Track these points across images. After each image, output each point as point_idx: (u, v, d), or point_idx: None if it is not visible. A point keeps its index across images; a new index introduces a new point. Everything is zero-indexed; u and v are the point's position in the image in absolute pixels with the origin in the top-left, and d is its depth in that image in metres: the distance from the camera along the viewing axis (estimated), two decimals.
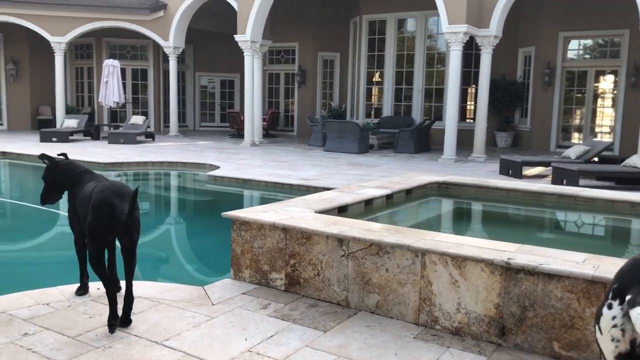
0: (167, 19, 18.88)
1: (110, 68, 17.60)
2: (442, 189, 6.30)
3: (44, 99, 21.06)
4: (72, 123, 17.30)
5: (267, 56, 21.52)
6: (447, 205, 6.36)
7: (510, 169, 10.79)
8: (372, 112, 19.51)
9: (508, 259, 3.15)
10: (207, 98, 23.67)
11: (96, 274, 3.27)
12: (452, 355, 3.07)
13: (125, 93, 19.30)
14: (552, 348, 3.08)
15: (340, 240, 3.70)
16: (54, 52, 18.62)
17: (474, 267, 3.26)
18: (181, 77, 22.72)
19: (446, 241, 3.52)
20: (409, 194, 5.87)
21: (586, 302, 2.97)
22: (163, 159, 12.16)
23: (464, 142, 15.34)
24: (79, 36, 19.10)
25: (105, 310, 3.53)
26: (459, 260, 3.29)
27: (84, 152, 13.27)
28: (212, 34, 21.05)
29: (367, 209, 5.10)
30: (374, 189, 5.46)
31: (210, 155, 13.12)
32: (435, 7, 13.59)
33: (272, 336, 3.23)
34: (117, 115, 21.19)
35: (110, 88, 17.56)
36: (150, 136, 17.52)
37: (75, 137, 17.47)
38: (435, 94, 18.21)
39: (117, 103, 17.83)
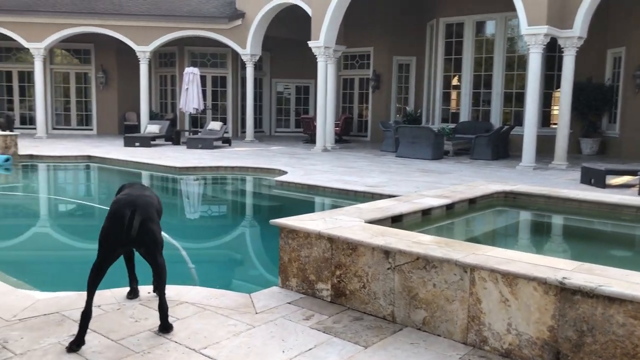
0: (245, 27, 19.33)
1: (190, 76, 18.24)
2: (510, 199, 5.98)
3: (130, 105, 22.14)
4: (154, 128, 18.06)
5: (341, 61, 21.58)
6: (510, 217, 6.03)
7: (593, 178, 10.14)
8: (449, 117, 19.05)
9: (563, 278, 2.90)
10: (282, 104, 24.02)
11: (88, 284, 3.20)
12: None
13: (205, 99, 19.95)
14: None
15: (387, 253, 3.56)
16: (139, 61, 19.53)
17: (526, 286, 3.03)
18: (258, 83, 23.22)
19: (497, 256, 3.30)
20: (473, 204, 5.61)
21: None
22: (235, 163, 12.41)
23: (547, 148, 14.64)
24: (161, 45, 19.95)
25: (152, 314, 3.59)
26: (510, 278, 3.07)
27: (162, 156, 13.80)
28: (288, 41, 21.35)
29: (424, 219, 4.92)
30: (433, 199, 5.26)
31: (281, 161, 13.25)
32: (515, 9, 13.05)
33: (310, 349, 3.15)
34: (197, 121, 21.92)
35: (190, 95, 18.19)
36: (227, 141, 17.97)
37: (157, 142, 18.21)
38: (516, 98, 17.50)
39: (197, 109, 18.43)
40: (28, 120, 21.66)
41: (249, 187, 11.48)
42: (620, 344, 2.77)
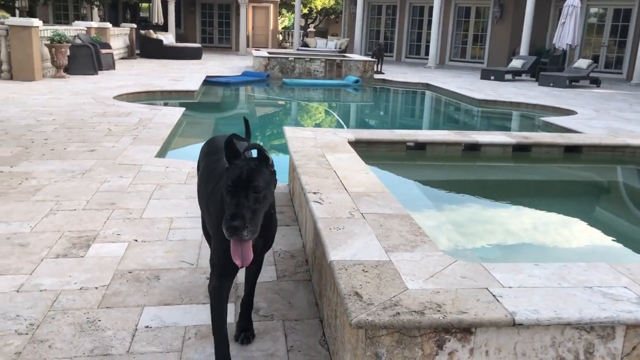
0: None
1: (570, 8, 17.10)
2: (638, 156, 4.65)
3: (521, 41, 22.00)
4: (517, 64, 17.89)
5: None
6: (572, 175, 4.61)
7: None
8: None
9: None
10: None
11: None
12: None
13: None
14: None
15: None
16: None
17: None
18: None
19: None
20: (573, 153, 4.73)
21: None
22: (539, 102, 11.78)
23: None
24: None
25: None
26: None
27: (484, 89, 13.92)
28: None
29: (465, 155, 4.65)
30: (501, 136, 4.75)
31: (608, 105, 11.74)
32: None
33: None
34: (597, 60, 20.00)
35: (566, 29, 17.14)
36: (595, 82, 16.38)
37: (523, 77, 18.03)
38: None
39: (570, 45, 17.26)
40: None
41: (512, 125, 10.87)
42: None
